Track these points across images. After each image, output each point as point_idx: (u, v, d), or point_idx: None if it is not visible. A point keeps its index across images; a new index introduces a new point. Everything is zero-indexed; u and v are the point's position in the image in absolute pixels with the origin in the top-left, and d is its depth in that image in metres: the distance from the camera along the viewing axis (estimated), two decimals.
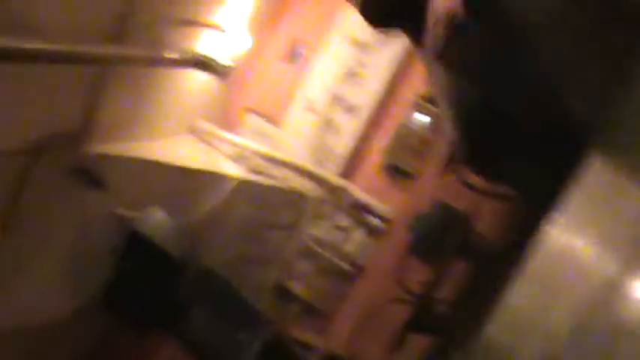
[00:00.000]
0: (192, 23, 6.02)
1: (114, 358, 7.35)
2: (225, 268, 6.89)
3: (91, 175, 5.46)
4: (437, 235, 5.91)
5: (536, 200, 5.12)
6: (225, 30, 6.31)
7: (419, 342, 5.88)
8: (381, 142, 6.91)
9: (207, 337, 6.57)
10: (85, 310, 6.22)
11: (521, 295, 3.19)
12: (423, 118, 6.55)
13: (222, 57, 6.11)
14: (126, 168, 5.91)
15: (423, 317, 5.67)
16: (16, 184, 4.89)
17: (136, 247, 5.98)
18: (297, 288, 7.02)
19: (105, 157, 5.61)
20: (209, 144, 7.11)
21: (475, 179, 5.61)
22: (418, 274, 6.14)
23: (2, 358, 5.83)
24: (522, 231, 5.80)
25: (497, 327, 3.54)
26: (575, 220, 2.80)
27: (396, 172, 6.75)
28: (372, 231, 6.79)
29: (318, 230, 6.97)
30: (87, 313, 6.25)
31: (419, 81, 6.71)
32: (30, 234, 5.21)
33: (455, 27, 2.93)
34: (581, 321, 2.68)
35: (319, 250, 6.91)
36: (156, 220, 6.07)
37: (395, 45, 6.82)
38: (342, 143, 7.00)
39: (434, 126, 6.48)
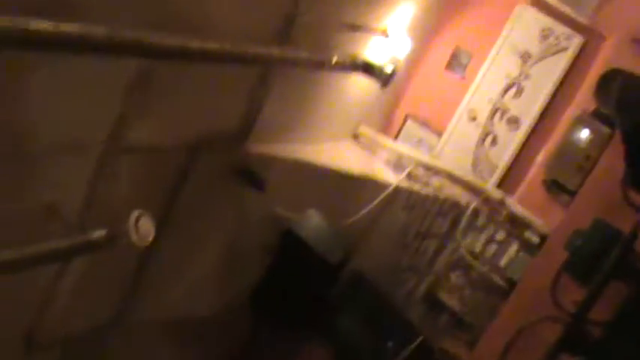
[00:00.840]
0: (358, 27, 6.07)
1: (257, 356, 7.49)
2: (377, 275, 6.92)
3: (251, 175, 5.58)
4: (595, 255, 5.73)
5: None
6: (390, 35, 6.33)
7: None
8: (542, 156, 6.76)
9: (355, 343, 6.61)
10: (235, 308, 6.37)
11: None
12: (587, 134, 6.35)
13: (386, 62, 6.13)
14: (285, 169, 6.01)
15: (576, 338, 5.50)
16: (177, 180, 5.05)
17: (291, 248, 6.09)
18: (449, 299, 6.95)
19: (265, 158, 5.72)
20: (369, 149, 7.15)
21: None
22: (573, 294, 5.97)
23: (150, 350, 6.03)
24: None
25: None
26: None
27: (556, 187, 6.57)
28: (527, 246, 6.64)
29: (473, 242, 6.88)
30: (237, 311, 6.40)
31: (584, 95, 6.53)
32: (188, 230, 5.37)
33: None
34: None
35: (473, 262, 6.82)
36: (312, 222, 6.16)
37: (560, 58, 6.68)
38: (502, 155, 6.90)
39: (598, 142, 6.27)
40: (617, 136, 5.56)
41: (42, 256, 3.85)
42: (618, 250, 5.50)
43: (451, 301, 6.93)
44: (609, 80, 5.34)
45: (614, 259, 5.44)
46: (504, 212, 6.73)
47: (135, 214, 4.27)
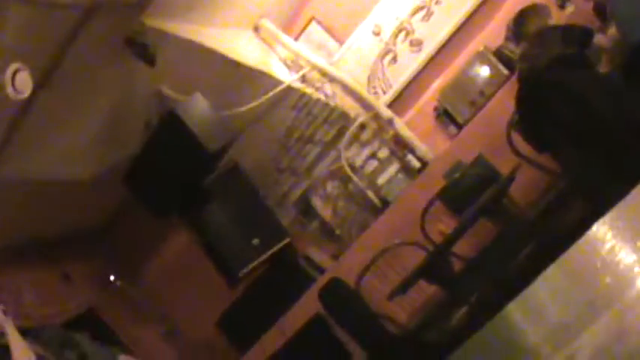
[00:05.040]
0: None
1: (125, 235, 7.42)
2: (254, 172, 6.87)
3: (144, 47, 5.36)
4: (471, 189, 5.83)
5: (588, 190, 5.04)
6: None
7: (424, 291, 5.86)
8: (438, 84, 6.76)
9: (222, 235, 6.59)
10: (108, 179, 6.23)
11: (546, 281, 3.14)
12: (486, 71, 6.39)
13: None
14: (179, 48, 5.81)
15: (436, 267, 5.62)
16: (66, 40, 4.78)
17: (171, 129, 5.94)
18: (322, 208, 6.97)
19: (161, 33, 5.50)
20: (267, 44, 6.99)
21: (524, 146, 5.51)
22: (442, 224, 6.08)
23: (23, 206, 5.86)
24: (553, 208, 5.74)
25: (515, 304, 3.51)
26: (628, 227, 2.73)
27: (446, 117, 6.62)
28: (407, 169, 6.69)
29: (355, 155, 6.88)
30: (109, 183, 6.26)
31: (490, 32, 6.54)
32: (69, 93, 5.15)
33: None
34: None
35: (351, 175, 6.84)
36: (197, 106, 6.00)
37: None
38: (399, 75, 6.86)
39: (495, 82, 6.32)
40: (514, 80, 5.61)
41: None
42: (493, 190, 5.61)
43: (324, 210, 6.95)
44: (526, 18, 5.35)
45: (488, 197, 5.55)
46: (391, 132, 6.74)
47: (13, 67, 4.06)
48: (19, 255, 6.59)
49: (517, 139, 5.61)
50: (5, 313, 4.26)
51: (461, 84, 6.52)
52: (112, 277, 6.06)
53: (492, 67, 6.36)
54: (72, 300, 6.90)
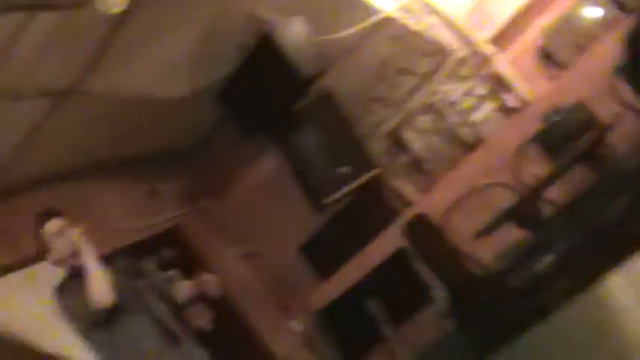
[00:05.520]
0: None
1: (213, 155, 7.45)
2: (347, 99, 6.78)
3: None
4: (569, 134, 5.66)
5: None
6: None
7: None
8: (543, 22, 6.51)
9: (310, 160, 6.55)
10: (200, 99, 6.24)
11: None
12: (596, 13, 6.12)
13: None
14: None
15: (526, 211, 5.50)
16: None
17: (266, 51, 5.90)
18: (412, 141, 6.86)
19: None
20: None
21: (627, 94, 5.30)
22: (535, 167, 5.93)
23: (114, 122, 5.92)
24: None
25: None
26: None
27: (548, 57, 6.39)
28: (503, 108, 6.51)
29: (451, 90, 6.72)
30: (201, 103, 6.27)
31: None
32: (165, 6, 5.11)
33: None
34: None
35: (446, 110, 6.69)
36: (293, 29, 5.93)
37: None
38: (503, 10, 6.63)
39: (605, 25, 6.05)
40: (624, 23, 5.38)
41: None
42: (592, 136, 5.45)
43: (415, 143, 6.84)
44: None
45: (587, 143, 5.39)
46: (490, 69, 6.54)
47: None
48: (108, 170, 6.70)
49: (621, 86, 5.41)
50: (86, 235, 4.31)
51: (567, 24, 6.27)
52: (198, 197, 6.08)
53: (603, 7, 6.09)
54: (157, 216, 6.99)
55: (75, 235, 4.23)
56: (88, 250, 4.20)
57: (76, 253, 4.21)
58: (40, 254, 4.32)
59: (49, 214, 4.30)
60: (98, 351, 4.08)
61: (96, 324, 4.09)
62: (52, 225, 4.26)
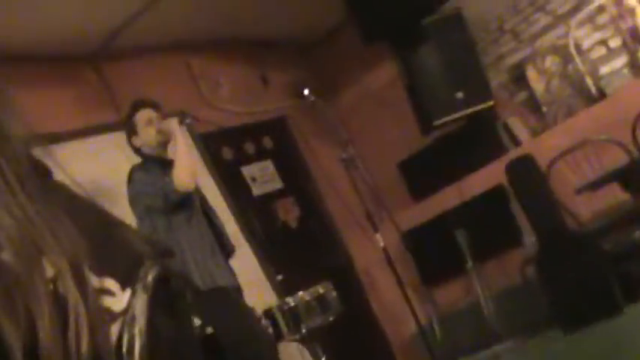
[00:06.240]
0: None
1: (331, 53, 7.42)
2: (476, 25, 6.66)
3: None
4: None
5: None
6: None
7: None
8: None
9: (428, 78, 6.50)
10: None
11: None
12: None
13: None
14: None
15: (635, 175, 5.34)
16: None
17: None
18: (534, 80, 6.66)
19: None
20: None
21: None
22: None
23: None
24: None
25: None
26: None
27: None
28: (635, 65, 6.25)
29: (584, 37, 6.48)
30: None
31: None
32: None
33: None
34: None
35: (575, 55, 6.46)
36: None
37: None
38: None
39: None
40: None
41: None
42: None
43: (536, 83, 6.64)
44: None
45: None
46: (630, 22, 6.27)
47: None
48: (224, 50, 6.75)
49: None
50: (187, 122, 4.40)
51: None
52: (307, 91, 6.06)
53: None
54: (265, 103, 7.04)
55: (165, 125, 4.36)
56: (182, 135, 4.32)
57: (161, 144, 4.36)
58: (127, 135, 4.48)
59: (144, 104, 4.44)
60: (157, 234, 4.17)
61: (164, 208, 4.22)
62: (144, 114, 4.40)
